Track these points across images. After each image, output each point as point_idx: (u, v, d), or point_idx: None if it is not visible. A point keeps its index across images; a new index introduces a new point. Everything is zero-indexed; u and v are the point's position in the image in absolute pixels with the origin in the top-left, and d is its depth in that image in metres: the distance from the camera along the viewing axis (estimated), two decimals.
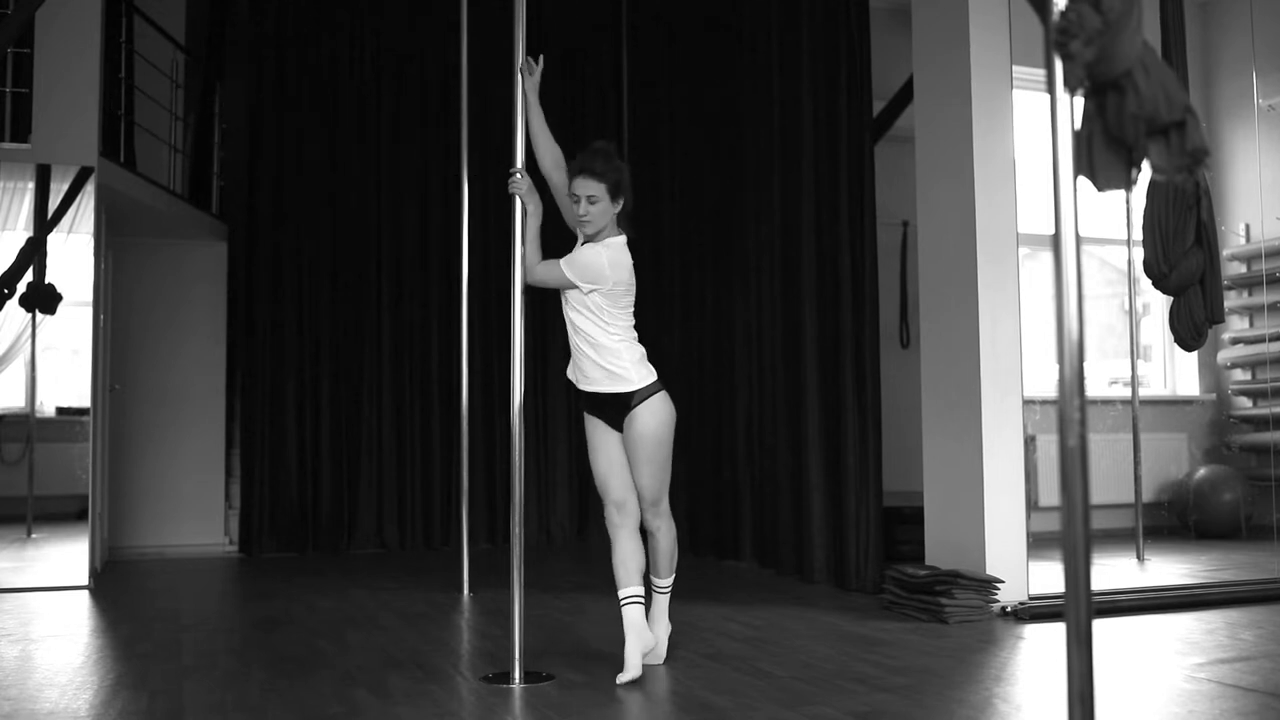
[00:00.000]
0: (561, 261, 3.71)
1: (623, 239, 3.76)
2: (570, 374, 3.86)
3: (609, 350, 3.70)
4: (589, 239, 3.75)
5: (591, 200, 3.68)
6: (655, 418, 3.70)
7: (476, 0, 6.11)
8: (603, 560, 6.16)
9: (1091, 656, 1.72)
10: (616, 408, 3.72)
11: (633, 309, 3.76)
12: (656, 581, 3.89)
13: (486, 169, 7.39)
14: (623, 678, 3.54)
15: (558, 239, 3.84)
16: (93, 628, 4.87)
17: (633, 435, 3.71)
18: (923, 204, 5.29)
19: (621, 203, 3.73)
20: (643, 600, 3.70)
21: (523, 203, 3.77)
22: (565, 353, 8.81)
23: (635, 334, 3.77)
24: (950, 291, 5.05)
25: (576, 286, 3.68)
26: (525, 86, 3.83)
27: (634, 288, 3.74)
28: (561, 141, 3.91)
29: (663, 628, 3.88)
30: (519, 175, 3.77)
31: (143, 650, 4.20)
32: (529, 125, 3.85)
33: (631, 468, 3.75)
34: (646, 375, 3.72)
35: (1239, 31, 7.02)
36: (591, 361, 3.72)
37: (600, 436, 3.80)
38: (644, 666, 3.65)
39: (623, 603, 3.68)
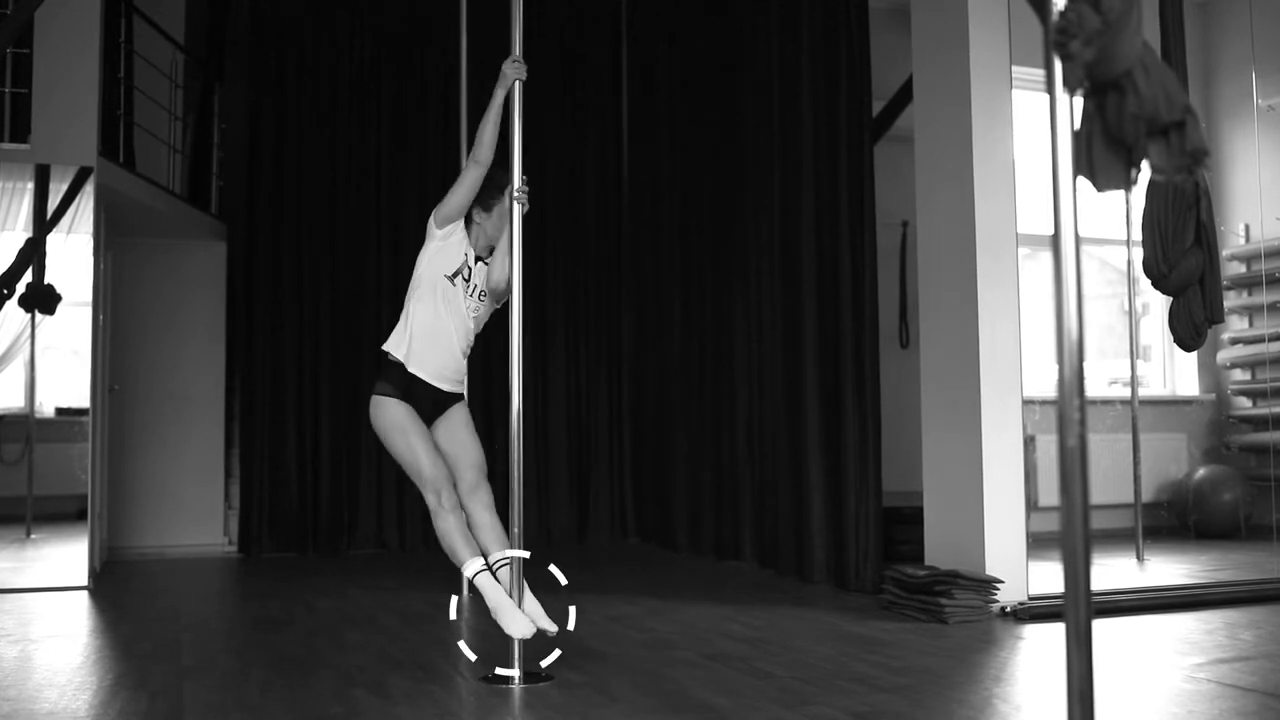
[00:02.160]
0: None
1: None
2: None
3: None
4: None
5: None
6: None
7: (476, 0, 6.12)
8: (602, 561, 6.16)
9: (1091, 656, 1.72)
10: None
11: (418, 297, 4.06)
12: None
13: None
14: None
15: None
16: (92, 628, 4.87)
17: None
18: (922, 204, 5.29)
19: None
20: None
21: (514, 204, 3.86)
22: (565, 352, 8.79)
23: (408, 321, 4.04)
24: (950, 291, 5.05)
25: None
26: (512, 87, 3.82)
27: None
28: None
29: None
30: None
31: (143, 650, 4.20)
32: (493, 115, 3.85)
33: None
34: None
35: (1239, 32, 7.02)
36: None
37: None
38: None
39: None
